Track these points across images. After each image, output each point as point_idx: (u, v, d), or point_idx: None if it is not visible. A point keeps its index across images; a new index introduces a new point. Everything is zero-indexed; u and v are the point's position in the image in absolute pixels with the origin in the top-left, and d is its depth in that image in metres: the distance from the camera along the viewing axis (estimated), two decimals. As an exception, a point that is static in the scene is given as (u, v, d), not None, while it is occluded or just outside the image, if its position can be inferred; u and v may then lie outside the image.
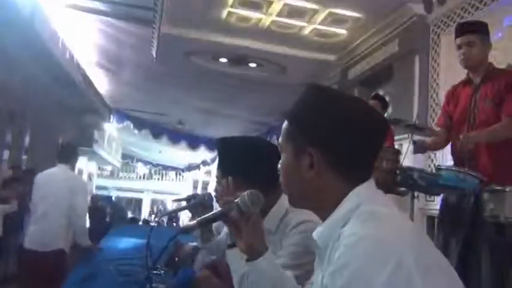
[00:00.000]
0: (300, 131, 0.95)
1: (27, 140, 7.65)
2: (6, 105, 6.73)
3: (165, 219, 13.35)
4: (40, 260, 3.57)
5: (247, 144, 1.69)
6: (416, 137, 2.83)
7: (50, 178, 3.90)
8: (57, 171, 3.97)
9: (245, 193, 1.11)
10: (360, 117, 0.93)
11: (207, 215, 1.17)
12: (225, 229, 2.48)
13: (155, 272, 2.35)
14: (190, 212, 2.85)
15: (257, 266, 1.13)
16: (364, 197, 0.91)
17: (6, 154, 6.94)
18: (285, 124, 0.99)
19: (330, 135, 0.92)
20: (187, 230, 1.16)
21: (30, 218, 3.88)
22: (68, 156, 4.10)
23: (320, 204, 0.94)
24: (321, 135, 0.92)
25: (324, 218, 0.95)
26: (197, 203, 2.28)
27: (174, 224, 12.82)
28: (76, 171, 12.40)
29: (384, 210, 0.89)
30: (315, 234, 0.94)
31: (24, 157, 7.54)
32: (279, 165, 1.01)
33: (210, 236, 2.27)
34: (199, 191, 17.39)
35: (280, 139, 1.01)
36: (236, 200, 1.12)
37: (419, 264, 0.78)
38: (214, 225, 2.30)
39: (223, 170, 1.67)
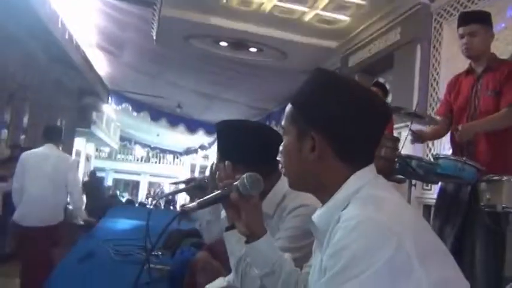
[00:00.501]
0: (304, 114, 0.96)
1: (25, 119, 7.61)
2: (5, 85, 6.68)
3: (162, 202, 13.43)
4: (39, 234, 3.75)
5: (246, 127, 1.68)
6: (416, 126, 2.83)
7: (41, 157, 3.94)
8: (46, 150, 4.01)
9: (244, 176, 1.12)
10: (364, 103, 0.94)
11: (207, 196, 1.17)
12: (223, 212, 2.49)
13: (153, 253, 2.36)
14: (188, 195, 2.86)
15: (256, 248, 1.14)
16: (365, 180, 0.92)
17: (4, 133, 6.91)
18: (290, 107, 1.00)
19: (333, 119, 0.93)
20: (187, 212, 1.15)
21: (22, 196, 3.92)
22: (54, 135, 4.22)
23: (320, 187, 0.96)
24: (324, 119, 0.93)
25: (323, 201, 0.96)
26: (196, 186, 2.27)
27: (172, 207, 12.86)
28: (74, 152, 12.47)
29: (385, 194, 0.89)
30: (314, 217, 0.95)
31: (22, 136, 7.51)
32: (281, 148, 1.02)
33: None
34: (196, 175, 17.42)
35: (283, 121, 1.01)
36: (236, 183, 1.12)
37: (418, 248, 0.79)
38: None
39: (222, 153, 1.66)
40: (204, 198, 1.16)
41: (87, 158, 16.63)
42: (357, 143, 0.93)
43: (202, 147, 15.64)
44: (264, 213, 1.28)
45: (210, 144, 14.12)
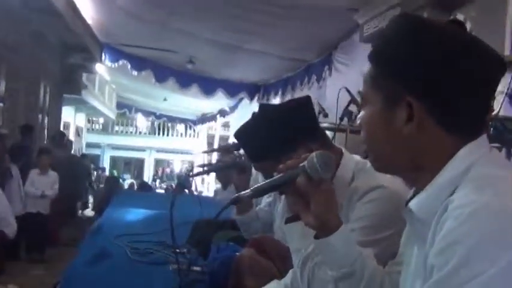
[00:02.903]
0: (394, 75, 0.94)
1: (2, 86, 7.79)
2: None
3: (169, 186, 13.54)
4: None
5: (266, 114, 1.79)
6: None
7: None
8: None
9: (313, 154, 1.12)
10: (473, 54, 0.92)
11: (265, 182, 1.19)
12: (266, 197, 2.53)
13: (178, 251, 2.42)
14: (218, 175, 2.92)
15: (330, 244, 1.15)
16: (477, 156, 0.91)
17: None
18: (371, 68, 0.99)
19: (434, 78, 0.91)
20: (237, 202, 1.18)
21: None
22: None
23: (418, 166, 0.95)
24: (422, 79, 0.92)
25: (420, 184, 0.96)
26: (232, 165, 2.31)
27: (186, 191, 13.06)
28: (62, 125, 12.74)
29: (504, 173, 0.88)
30: (412, 205, 0.95)
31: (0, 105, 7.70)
32: (361, 121, 1.02)
33: (247, 206, 2.32)
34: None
35: (362, 88, 1.01)
36: (302, 164, 1.13)
37: None
38: None
39: (259, 157, 1.79)
40: (260, 184, 1.18)
41: (78, 132, 17.00)
42: (465, 106, 0.92)
43: (222, 112, 15.69)
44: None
45: (232, 109, 14.16)
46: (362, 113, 1.02)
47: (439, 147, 0.93)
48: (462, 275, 0.77)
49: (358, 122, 1.05)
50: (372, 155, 1.03)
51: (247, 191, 1.17)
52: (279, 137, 1.62)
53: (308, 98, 1.74)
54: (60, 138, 9.56)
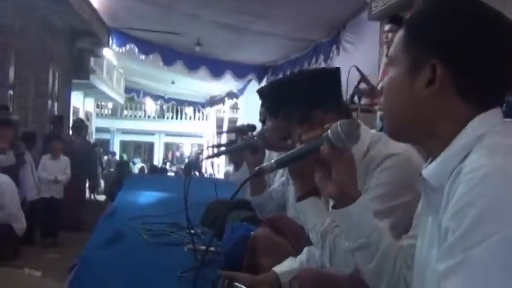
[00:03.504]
0: (423, 38, 0.98)
1: (11, 73, 7.81)
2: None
3: (179, 169, 13.61)
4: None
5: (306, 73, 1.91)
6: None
7: None
8: None
9: (338, 123, 1.14)
10: (501, 30, 0.95)
11: (288, 153, 1.20)
12: (278, 178, 2.54)
13: (193, 232, 2.44)
14: (230, 157, 2.92)
15: (349, 213, 1.17)
16: (490, 126, 0.93)
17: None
18: (404, 33, 1.03)
19: (461, 43, 0.94)
20: (261, 174, 1.20)
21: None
22: None
23: (431, 132, 0.98)
24: (449, 43, 0.95)
25: (433, 151, 0.99)
26: (245, 146, 2.32)
27: (198, 173, 13.13)
28: (71, 110, 12.78)
29: None
30: (425, 173, 0.97)
31: (10, 92, 7.73)
32: (384, 83, 1.05)
33: (261, 187, 2.33)
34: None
35: (391, 50, 1.05)
36: (326, 133, 1.15)
37: None
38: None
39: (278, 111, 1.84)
40: (285, 154, 1.20)
41: (87, 117, 17.03)
42: (486, 78, 0.94)
43: (230, 95, 15.67)
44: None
45: (241, 91, 14.14)
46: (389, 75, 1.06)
47: (453, 115, 0.95)
48: (475, 235, 0.80)
49: (380, 87, 1.08)
50: (388, 119, 1.06)
51: (271, 162, 1.19)
52: (299, 97, 1.66)
53: (337, 69, 1.77)
54: (80, 126, 9.68)
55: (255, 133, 2.52)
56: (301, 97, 1.65)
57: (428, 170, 0.97)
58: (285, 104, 1.71)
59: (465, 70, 0.94)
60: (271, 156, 2.77)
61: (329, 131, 1.14)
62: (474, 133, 0.92)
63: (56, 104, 10.46)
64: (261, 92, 2.04)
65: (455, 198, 0.85)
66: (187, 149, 27.72)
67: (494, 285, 0.78)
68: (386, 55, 4.48)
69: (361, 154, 1.51)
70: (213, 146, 3.22)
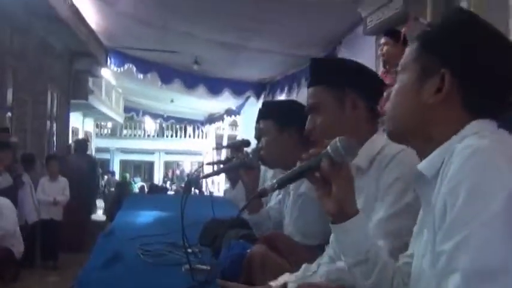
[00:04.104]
0: (435, 50, 1.05)
1: (9, 95, 7.84)
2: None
3: (179, 187, 13.57)
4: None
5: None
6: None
7: None
8: None
9: (336, 139, 1.19)
10: (504, 47, 1.03)
11: (289, 172, 1.24)
12: (274, 196, 2.53)
13: (190, 251, 2.42)
14: (228, 175, 2.92)
15: (346, 230, 1.20)
16: (485, 128, 0.99)
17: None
18: (417, 44, 1.11)
19: (470, 55, 1.01)
20: (263, 195, 1.23)
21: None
22: None
23: (431, 136, 1.04)
24: (458, 55, 1.02)
25: (426, 153, 1.04)
26: (240, 164, 2.32)
27: (198, 191, 13.10)
28: (70, 130, 12.81)
29: (505, 144, 0.96)
30: (420, 166, 1.03)
31: (8, 114, 7.75)
32: (394, 89, 1.12)
33: (257, 206, 2.33)
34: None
35: (403, 59, 1.12)
36: (325, 150, 1.19)
37: None
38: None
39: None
40: (286, 174, 1.23)
41: (87, 137, 17.06)
42: (489, 91, 1.01)
43: (229, 112, 15.70)
44: (355, 167, 1.41)
45: (240, 108, 14.17)
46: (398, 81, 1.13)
47: (454, 121, 1.01)
48: (468, 213, 0.86)
49: (387, 93, 1.19)
50: (390, 121, 1.13)
51: (273, 182, 1.22)
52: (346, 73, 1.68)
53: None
54: (84, 147, 9.74)
55: (249, 150, 2.52)
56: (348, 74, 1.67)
57: (422, 164, 1.04)
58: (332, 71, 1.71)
59: (470, 81, 1.02)
60: (266, 174, 2.78)
61: (328, 147, 1.19)
62: (469, 131, 0.99)
63: (54, 125, 10.48)
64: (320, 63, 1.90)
65: (448, 176, 0.91)
66: (187, 167, 27.72)
67: (498, 255, 0.83)
68: (384, 66, 4.51)
69: (374, 152, 1.53)
70: (211, 163, 3.22)
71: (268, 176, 2.74)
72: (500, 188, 0.85)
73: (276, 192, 2.49)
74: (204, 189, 13.08)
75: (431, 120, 1.04)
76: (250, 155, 2.33)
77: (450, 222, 0.89)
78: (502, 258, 0.83)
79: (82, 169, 8.90)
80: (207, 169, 2.96)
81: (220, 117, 17.35)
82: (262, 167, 2.68)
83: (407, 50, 1.13)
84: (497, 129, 1.02)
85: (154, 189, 14.21)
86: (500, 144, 0.93)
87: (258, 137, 2.45)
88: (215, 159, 3.44)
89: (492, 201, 0.84)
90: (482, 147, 0.91)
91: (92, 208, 10.90)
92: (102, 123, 24.04)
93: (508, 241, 0.83)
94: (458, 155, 0.92)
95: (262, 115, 2.37)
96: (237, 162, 2.38)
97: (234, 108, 14.96)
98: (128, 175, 22.00)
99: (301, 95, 8.13)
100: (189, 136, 26.44)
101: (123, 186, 14.01)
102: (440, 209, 0.92)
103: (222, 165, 2.73)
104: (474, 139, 0.95)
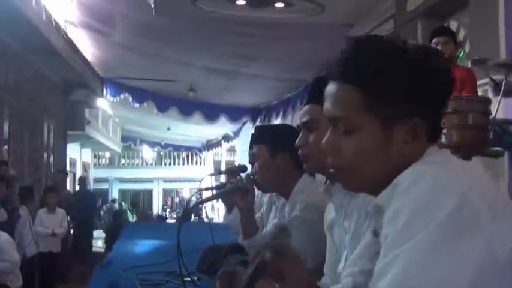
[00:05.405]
0: (395, 98, 0.95)
1: (6, 127, 7.84)
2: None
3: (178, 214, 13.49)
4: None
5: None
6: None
7: None
8: None
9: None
10: (439, 65, 0.98)
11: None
12: (271, 219, 2.52)
13: (188, 279, 2.40)
14: (223, 200, 2.92)
15: None
16: (430, 154, 0.96)
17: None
18: (357, 96, 0.96)
19: (429, 95, 0.96)
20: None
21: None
22: None
23: (390, 180, 0.94)
24: (421, 98, 0.95)
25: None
26: (232, 189, 2.31)
27: (197, 218, 13.05)
28: (68, 161, 12.80)
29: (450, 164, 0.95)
30: (378, 198, 0.96)
31: (5, 147, 7.74)
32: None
33: (253, 231, 2.31)
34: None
35: (343, 119, 0.97)
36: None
37: (486, 202, 0.85)
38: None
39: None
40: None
41: (85, 168, 17.04)
42: (439, 116, 1.00)
43: (226, 138, 15.75)
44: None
45: (236, 134, 14.20)
46: (328, 138, 1.00)
47: (420, 155, 0.95)
48: (402, 237, 0.83)
49: (322, 146, 1.02)
50: (348, 175, 1.00)
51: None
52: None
53: None
54: (85, 183, 9.79)
55: (243, 175, 2.51)
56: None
57: (379, 197, 0.95)
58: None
59: (434, 117, 0.98)
60: (263, 199, 2.76)
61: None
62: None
63: (52, 157, 10.48)
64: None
65: (390, 209, 0.88)
66: (186, 194, 27.63)
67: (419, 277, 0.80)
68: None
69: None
70: (206, 189, 3.20)
71: (264, 200, 2.73)
72: (436, 212, 0.82)
73: (272, 215, 2.48)
74: (203, 215, 13.02)
75: (404, 164, 0.94)
76: (244, 180, 2.32)
77: (387, 243, 0.86)
78: (422, 280, 0.80)
79: (82, 204, 8.99)
80: (206, 194, 2.95)
81: (217, 143, 17.39)
82: (258, 192, 2.67)
83: (338, 101, 0.98)
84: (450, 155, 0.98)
85: (145, 218, 14.24)
86: (440, 168, 0.90)
87: (251, 162, 2.44)
88: (213, 185, 3.42)
89: (425, 227, 0.81)
90: (420, 176, 0.88)
91: (91, 239, 10.86)
92: (100, 153, 24.03)
93: (434, 263, 0.80)
94: (398, 186, 0.89)
95: (255, 140, 2.37)
96: (231, 187, 2.37)
97: (231, 133, 15.00)
98: (125, 204, 21.93)
99: (297, 118, 8.16)
100: (187, 163, 26.43)
101: (120, 215, 13.93)
102: (384, 237, 0.88)
103: (215, 191, 2.72)
104: (412, 167, 0.92)
